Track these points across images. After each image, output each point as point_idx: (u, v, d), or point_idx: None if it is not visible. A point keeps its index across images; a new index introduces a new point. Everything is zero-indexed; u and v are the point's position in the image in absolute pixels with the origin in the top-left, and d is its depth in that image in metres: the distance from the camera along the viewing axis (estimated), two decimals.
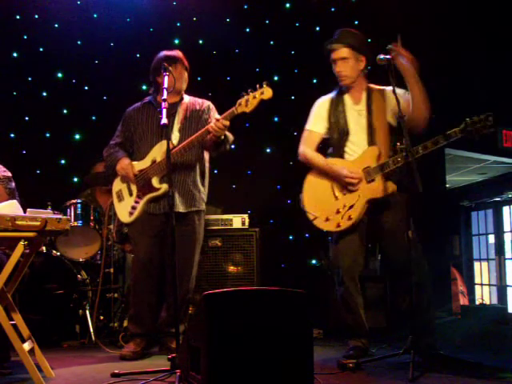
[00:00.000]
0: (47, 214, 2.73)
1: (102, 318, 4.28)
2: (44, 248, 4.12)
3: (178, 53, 3.60)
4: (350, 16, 5.35)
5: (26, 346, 2.74)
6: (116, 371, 2.78)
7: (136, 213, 3.50)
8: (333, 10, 5.70)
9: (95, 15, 5.61)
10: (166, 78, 3.14)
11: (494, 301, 6.82)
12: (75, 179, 5.51)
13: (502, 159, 6.44)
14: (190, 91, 3.72)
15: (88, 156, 5.05)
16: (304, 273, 5.28)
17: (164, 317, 3.60)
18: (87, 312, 4.12)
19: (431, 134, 3.08)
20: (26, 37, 5.53)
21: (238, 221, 4.35)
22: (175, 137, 3.51)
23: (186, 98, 3.67)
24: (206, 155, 3.66)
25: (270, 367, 2.22)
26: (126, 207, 3.56)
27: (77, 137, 5.64)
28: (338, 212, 3.27)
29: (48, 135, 5.61)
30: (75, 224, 4.34)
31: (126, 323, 3.84)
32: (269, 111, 5.50)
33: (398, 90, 3.09)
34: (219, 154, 3.57)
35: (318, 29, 5.71)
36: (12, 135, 5.53)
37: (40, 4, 5.43)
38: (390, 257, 3.41)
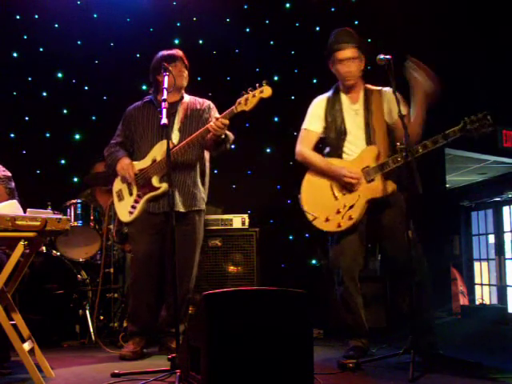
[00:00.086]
0: (47, 213, 2.73)
1: (101, 317, 4.28)
2: (44, 248, 4.12)
3: (177, 51, 3.61)
4: (350, 16, 5.36)
5: (26, 346, 2.74)
6: (116, 371, 2.78)
7: (136, 212, 3.50)
8: (333, 10, 5.70)
9: (95, 15, 5.61)
10: (166, 78, 3.15)
11: (494, 301, 6.82)
12: (75, 179, 5.51)
13: (502, 159, 6.44)
14: (190, 91, 3.72)
15: (88, 156, 5.04)
16: (304, 273, 5.28)
17: (164, 316, 3.60)
18: (87, 312, 4.12)
19: (431, 134, 3.09)
20: (25, 37, 5.52)
21: (238, 221, 4.35)
22: (175, 136, 3.51)
23: (187, 98, 3.67)
24: (207, 155, 3.66)
25: (270, 367, 2.22)
26: (126, 207, 3.56)
27: (77, 137, 5.64)
28: (338, 212, 3.27)
29: (48, 135, 5.60)
30: (75, 224, 4.34)
31: (125, 323, 3.84)
32: (269, 111, 5.50)
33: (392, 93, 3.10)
34: (220, 153, 3.57)
35: (318, 29, 5.71)
36: (12, 135, 5.52)
37: (40, 4, 5.43)
38: (389, 257, 3.40)
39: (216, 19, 5.54)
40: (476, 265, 7.29)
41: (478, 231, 7.25)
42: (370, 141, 3.30)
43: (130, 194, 3.55)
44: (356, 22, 5.13)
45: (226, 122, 3.28)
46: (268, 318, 2.26)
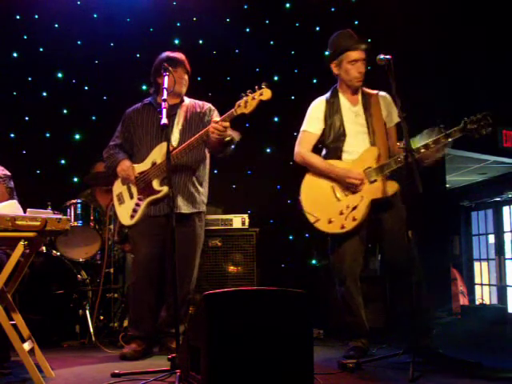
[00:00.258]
0: (47, 213, 2.73)
1: (101, 318, 4.28)
2: (44, 248, 4.12)
3: (180, 55, 3.58)
4: (350, 16, 5.35)
5: (26, 345, 2.74)
6: (116, 371, 2.78)
7: (137, 215, 3.49)
8: (333, 10, 5.70)
9: (95, 15, 5.61)
10: (166, 78, 3.14)
11: (494, 301, 6.83)
12: (75, 179, 5.51)
13: (502, 159, 6.43)
14: (190, 91, 3.71)
15: (88, 156, 5.04)
16: (304, 273, 5.28)
17: (164, 317, 3.59)
18: (87, 312, 4.11)
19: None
20: (25, 37, 5.52)
21: (238, 221, 4.35)
22: (175, 139, 3.49)
23: (187, 101, 3.66)
24: (207, 157, 3.65)
25: (270, 367, 2.22)
26: (127, 210, 3.55)
27: (77, 137, 5.64)
28: (341, 213, 3.26)
29: (48, 135, 5.60)
30: (75, 224, 4.34)
31: (126, 323, 3.84)
32: (269, 111, 5.50)
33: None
34: (225, 155, 3.52)
35: (318, 29, 5.71)
36: (12, 135, 5.53)
37: (40, 4, 5.43)
38: (389, 257, 3.40)
39: (216, 19, 5.54)
40: (476, 265, 7.30)
41: (478, 231, 7.26)
42: (370, 142, 3.30)
43: (131, 197, 3.54)
44: (356, 22, 5.13)
45: (227, 124, 3.24)
46: (268, 318, 2.26)
